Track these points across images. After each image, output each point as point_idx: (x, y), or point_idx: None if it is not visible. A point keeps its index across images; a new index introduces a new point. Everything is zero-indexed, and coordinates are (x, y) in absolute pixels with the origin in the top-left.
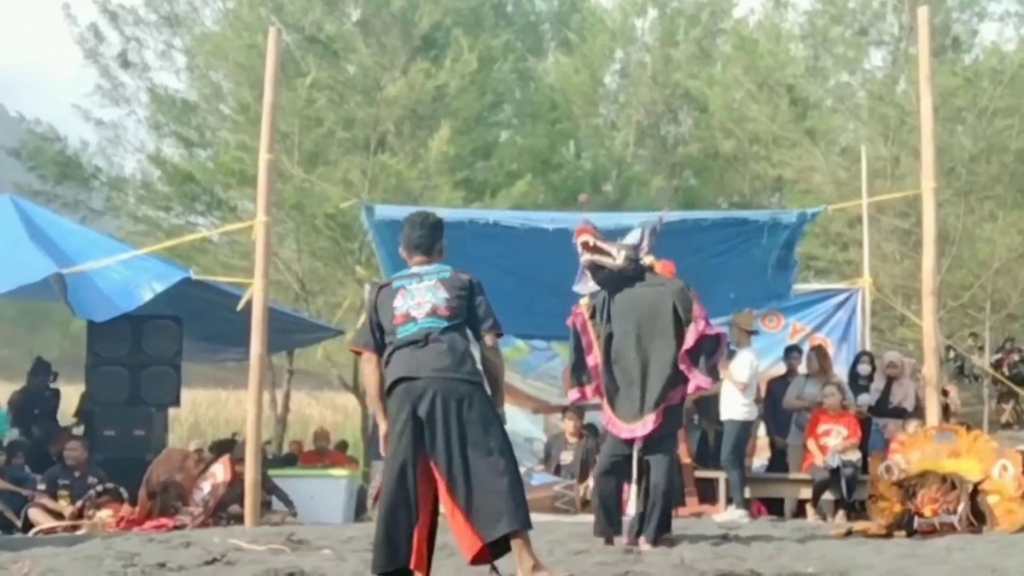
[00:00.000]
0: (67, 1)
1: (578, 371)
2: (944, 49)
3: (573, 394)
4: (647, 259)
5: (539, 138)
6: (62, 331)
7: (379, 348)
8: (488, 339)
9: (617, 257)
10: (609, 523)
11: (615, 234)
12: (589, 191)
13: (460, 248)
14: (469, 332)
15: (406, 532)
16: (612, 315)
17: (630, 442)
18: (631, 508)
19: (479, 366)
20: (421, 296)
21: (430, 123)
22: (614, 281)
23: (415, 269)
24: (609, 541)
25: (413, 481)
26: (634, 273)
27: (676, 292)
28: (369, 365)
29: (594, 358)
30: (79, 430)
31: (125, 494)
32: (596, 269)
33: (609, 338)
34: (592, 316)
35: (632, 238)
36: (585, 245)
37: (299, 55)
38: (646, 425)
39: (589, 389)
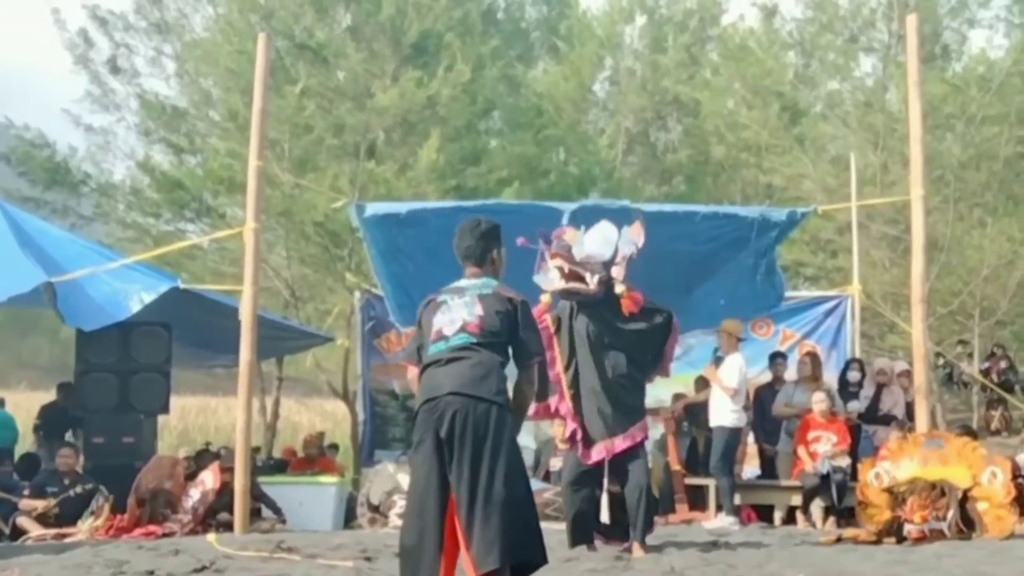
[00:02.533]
0: (56, 6)
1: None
2: (933, 56)
3: (536, 409)
4: (619, 288)
5: (528, 145)
6: (51, 338)
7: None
8: (528, 369)
9: (591, 282)
10: (584, 537)
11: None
12: (576, 198)
13: (449, 237)
14: (501, 352)
15: (434, 555)
16: (577, 334)
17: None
18: (604, 516)
19: (503, 384)
20: (456, 312)
21: (420, 130)
22: (586, 304)
23: (461, 283)
24: (592, 548)
25: (439, 504)
26: (605, 296)
27: (662, 324)
28: (414, 382)
29: (555, 372)
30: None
31: (105, 493)
32: (569, 296)
33: (570, 354)
34: (557, 329)
35: (601, 251)
36: (560, 272)
37: (289, 62)
38: (620, 443)
39: (554, 401)
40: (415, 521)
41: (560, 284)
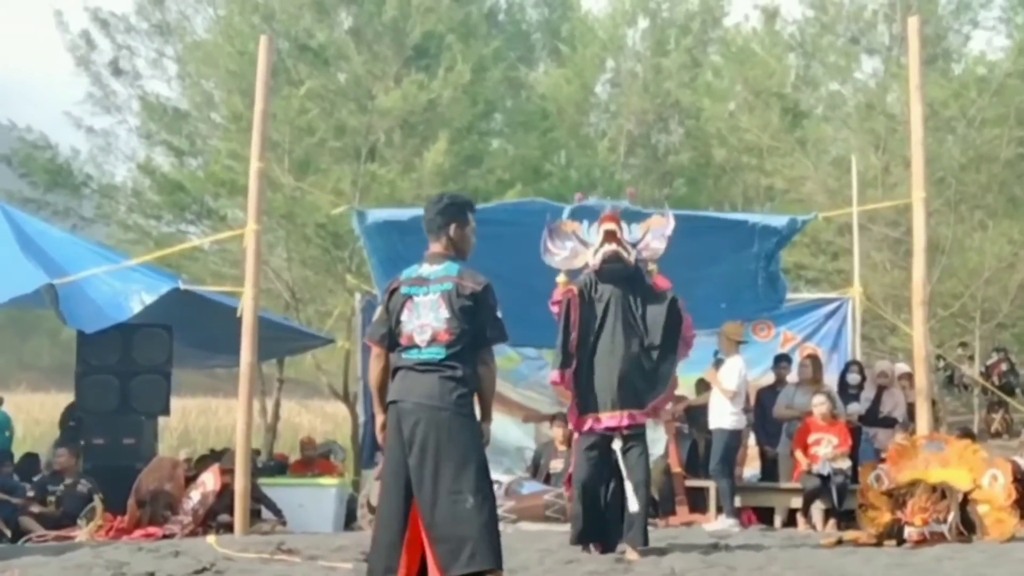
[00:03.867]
0: (59, 8)
1: (565, 351)
2: (935, 58)
3: (554, 375)
4: (651, 267)
5: (530, 147)
6: (52, 339)
7: (390, 345)
8: (484, 356)
9: (631, 255)
10: (593, 532)
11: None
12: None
13: None
14: (471, 352)
15: (396, 542)
16: (598, 306)
17: (607, 433)
18: (633, 505)
19: (471, 396)
20: (424, 316)
21: (422, 132)
22: (617, 275)
23: (423, 271)
24: (587, 550)
25: (405, 495)
26: (636, 272)
27: (670, 305)
28: (376, 360)
29: (574, 340)
30: None
31: (98, 499)
32: (613, 260)
33: (588, 326)
34: (580, 299)
35: (630, 234)
36: (612, 235)
37: (290, 63)
38: (628, 418)
39: (568, 373)
40: (383, 510)
41: (611, 247)
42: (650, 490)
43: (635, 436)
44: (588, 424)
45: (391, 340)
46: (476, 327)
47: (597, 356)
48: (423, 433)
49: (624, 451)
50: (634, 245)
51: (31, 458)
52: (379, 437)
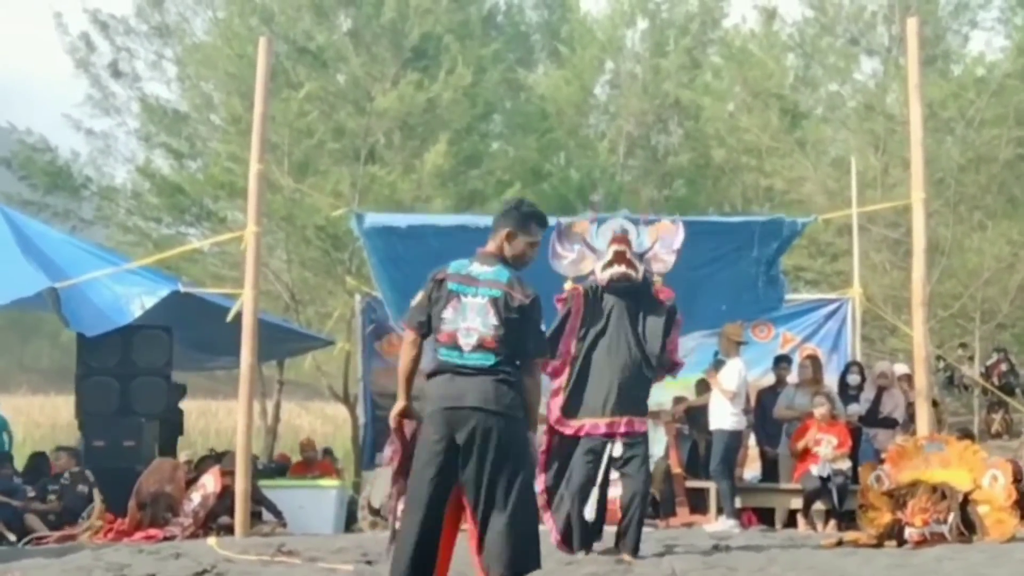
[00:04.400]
0: (58, 11)
1: (552, 344)
2: (934, 59)
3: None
4: (657, 279)
5: (529, 148)
6: (52, 341)
7: (426, 332)
8: (529, 367)
9: (639, 272)
10: (592, 538)
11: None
12: (577, 201)
13: (452, 257)
14: (514, 360)
15: (432, 545)
16: (604, 310)
17: (604, 438)
18: (589, 512)
19: (520, 397)
20: (471, 318)
21: (422, 133)
22: (623, 290)
23: (473, 269)
24: (588, 551)
25: (442, 497)
26: (643, 285)
27: (667, 316)
28: (410, 346)
29: (567, 343)
30: None
31: (98, 498)
32: (621, 280)
33: (589, 329)
34: (585, 301)
35: (638, 239)
36: (622, 256)
37: (289, 65)
38: (627, 425)
39: (548, 365)
40: (416, 514)
41: (620, 268)
42: (648, 497)
43: (635, 444)
44: (575, 429)
45: (427, 329)
46: (519, 339)
47: (595, 361)
48: (481, 438)
49: (624, 460)
50: (642, 256)
51: (40, 458)
52: (392, 422)
